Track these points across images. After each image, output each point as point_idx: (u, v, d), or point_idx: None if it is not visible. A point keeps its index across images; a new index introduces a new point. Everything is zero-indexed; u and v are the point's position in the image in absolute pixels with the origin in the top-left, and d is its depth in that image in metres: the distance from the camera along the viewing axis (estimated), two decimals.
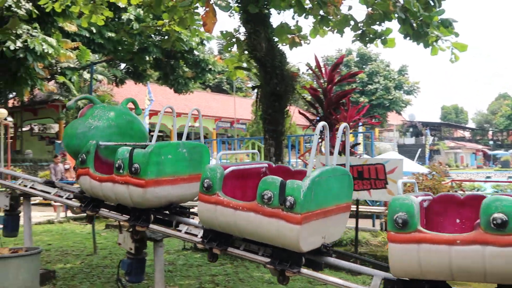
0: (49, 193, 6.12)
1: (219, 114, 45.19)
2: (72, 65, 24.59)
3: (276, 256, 4.14)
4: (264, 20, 7.80)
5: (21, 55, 17.14)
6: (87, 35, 23.82)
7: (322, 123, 4.13)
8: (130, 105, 6.58)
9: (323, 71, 8.21)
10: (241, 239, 4.44)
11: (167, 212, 5.32)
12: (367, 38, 8.60)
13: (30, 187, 6.39)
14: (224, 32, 9.52)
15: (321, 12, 8.64)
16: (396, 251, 3.41)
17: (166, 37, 13.15)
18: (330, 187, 4.13)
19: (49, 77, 24.93)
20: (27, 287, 5.19)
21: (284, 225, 3.83)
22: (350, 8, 8.54)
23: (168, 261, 7.85)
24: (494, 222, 3.06)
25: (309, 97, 9.01)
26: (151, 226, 5.12)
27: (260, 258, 4.36)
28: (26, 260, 5.12)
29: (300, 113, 8.53)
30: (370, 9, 8.31)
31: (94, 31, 23.54)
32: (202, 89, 50.92)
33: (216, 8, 7.07)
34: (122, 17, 23.39)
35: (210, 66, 30.13)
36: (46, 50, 17.29)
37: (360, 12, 10.14)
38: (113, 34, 23.74)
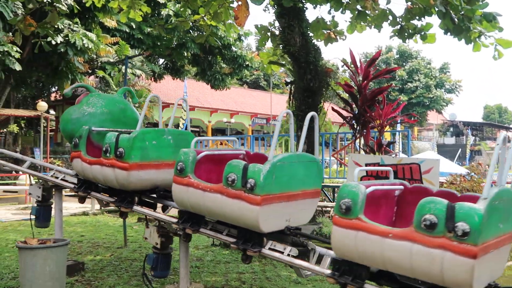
0: (76, 185, 6.14)
1: (256, 110, 45.13)
2: (111, 60, 24.99)
3: (240, 237, 4.42)
4: (299, 14, 7.63)
5: (62, 50, 17.50)
6: (127, 30, 24.15)
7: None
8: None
9: (359, 67, 7.97)
10: (214, 221, 4.75)
11: (154, 195, 5.64)
12: (406, 34, 8.32)
13: (61, 179, 6.44)
14: (259, 26, 9.41)
15: (359, 7, 8.42)
16: (337, 234, 3.59)
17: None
18: (295, 173, 4.33)
19: (90, 71, 25.41)
20: (54, 278, 5.20)
21: (245, 206, 4.09)
22: (388, 2, 8.26)
23: (196, 257, 7.80)
24: (424, 223, 3.15)
25: (344, 94, 8.79)
26: (135, 207, 5.45)
27: (225, 238, 4.65)
28: (53, 252, 5.14)
29: (333, 110, 8.33)
30: (409, 3, 8.03)
31: (134, 26, 23.86)
32: (239, 85, 51.01)
33: (249, 2, 6.95)
34: (162, 13, 23.59)
35: (247, 62, 30.08)
36: (86, 45, 17.61)
37: (399, 7, 9.81)
38: (152, 29, 23.97)
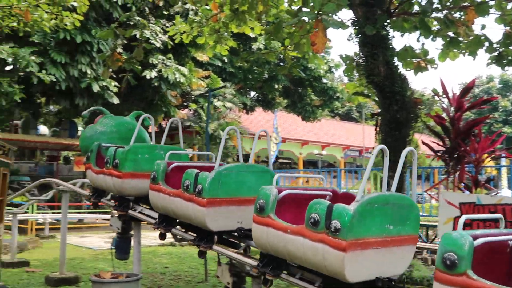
0: (154, 219, 6.11)
1: (348, 142, 44.24)
2: (204, 93, 25.79)
3: (198, 235, 5.23)
4: (383, 42, 7.24)
5: (156, 84, 18.28)
6: (219, 64, 24.83)
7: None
8: None
9: (451, 97, 7.39)
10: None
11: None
12: (505, 61, 7.65)
13: (139, 212, 6.46)
14: (344, 56, 9.13)
15: (450, 33, 7.91)
16: (255, 229, 4.21)
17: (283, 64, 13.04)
18: (244, 181, 4.93)
19: (185, 104, 26.36)
20: None
21: (195, 207, 4.83)
22: (483, 27, 7.68)
23: None
24: (311, 220, 3.68)
25: (435, 126, 8.20)
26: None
27: (190, 237, 5.42)
28: (124, 287, 5.09)
29: (423, 143, 7.75)
30: (508, 28, 7.39)
31: (226, 60, 24.50)
32: (331, 117, 50.50)
33: (330, 29, 6.72)
34: (252, 47, 24.06)
35: (338, 94, 29.74)
36: (178, 79, 18.27)
37: (495, 32, 9.14)
38: (244, 64, 24.45)
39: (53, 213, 16.05)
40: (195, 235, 5.42)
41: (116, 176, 6.13)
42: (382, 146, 4.01)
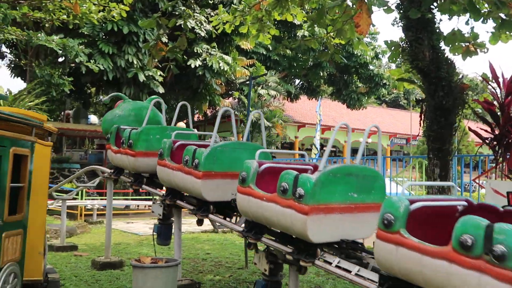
0: (194, 206, 6.17)
1: (394, 130, 43.39)
2: (247, 81, 25.84)
3: (197, 206, 5.79)
4: (428, 26, 6.97)
5: (200, 73, 18.42)
6: (264, 52, 24.77)
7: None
8: None
9: (501, 82, 7.04)
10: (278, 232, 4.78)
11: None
12: None
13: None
14: (389, 41, 8.87)
15: (502, 15, 7.53)
16: (239, 199, 4.70)
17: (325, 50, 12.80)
18: (238, 157, 5.37)
19: (230, 93, 26.48)
20: None
21: (193, 179, 5.39)
22: None
23: (315, 284, 7.43)
24: (281, 188, 4.14)
25: (483, 112, 7.86)
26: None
27: (189, 207, 6.00)
28: (163, 272, 5.17)
29: (470, 130, 7.44)
30: None
31: (270, 48, 24.40)
32: (378, 104, 49.56)
33: (376, 9, 6.54)
34: (297, 34, 23.84)
35: (384, 81, 29.13)
36: (222, 68, 18.33)
37: None
38: (288, 51, 24.29)
39: (101, 199, 16.54)
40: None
41: (130, 155, 6.89)
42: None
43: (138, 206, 18.30)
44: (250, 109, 20.70)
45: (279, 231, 4.88)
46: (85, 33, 16.64)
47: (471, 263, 2.90)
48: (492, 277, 2.80)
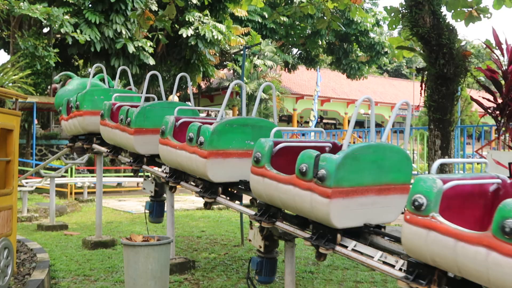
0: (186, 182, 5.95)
1: (396, 100, 42.88)
2: (241, 51, 25.32)
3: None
4: None
5: (193, 42, 17.92)
6: (259, 20, 24.13)
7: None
8: None
9: (504, 49, 6.71)
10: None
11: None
12: None
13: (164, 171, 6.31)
14: (388, 7, 8.52)
15: None
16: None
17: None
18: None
19: (224, 63, 25.92)
20: (156, 277, 5.03)
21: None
22: None
23: (313, 261, 7.23)
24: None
25: (486, 81, 7.55)
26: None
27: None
28: (155, 250, 4.96)
29: (472, 99, 7.15)
30: None
31: (266, 16, 23.74)
32: (379, 74, 49.00)
33: None
34: (294, 0, 23.26)
35: (386, 49, 28.58)
36: (215, 37, 17.83)
37: None
38: (285, 19, 23.71)
39: (91, 177, 16.14)
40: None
41: (79, 115, 7.53)
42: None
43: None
44: (245, 80, 20.30)
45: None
46: (70, 1, 15.99)
47: (306, 185, 3.70)
48: None
